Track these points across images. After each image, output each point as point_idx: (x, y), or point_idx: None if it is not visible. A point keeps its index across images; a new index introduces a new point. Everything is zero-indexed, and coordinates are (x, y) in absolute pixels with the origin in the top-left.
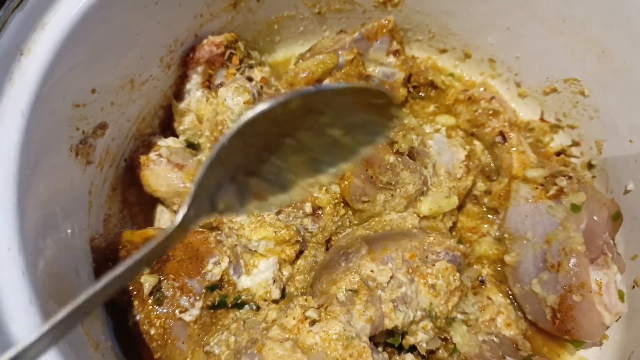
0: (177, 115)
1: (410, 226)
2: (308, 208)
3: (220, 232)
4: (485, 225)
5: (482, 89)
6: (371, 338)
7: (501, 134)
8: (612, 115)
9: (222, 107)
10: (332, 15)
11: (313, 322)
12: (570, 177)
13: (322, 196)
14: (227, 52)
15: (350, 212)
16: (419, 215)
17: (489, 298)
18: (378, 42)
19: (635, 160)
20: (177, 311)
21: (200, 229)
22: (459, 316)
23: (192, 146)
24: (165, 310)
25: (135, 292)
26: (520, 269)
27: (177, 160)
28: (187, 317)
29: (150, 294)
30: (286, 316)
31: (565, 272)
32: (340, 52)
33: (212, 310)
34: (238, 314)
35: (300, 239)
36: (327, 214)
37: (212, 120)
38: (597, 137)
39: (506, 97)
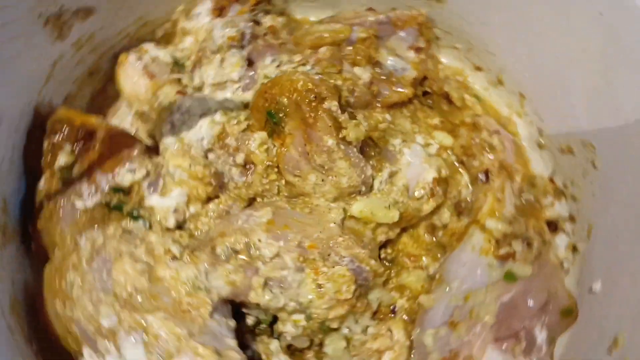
0: (179, 34)
1: (331, 218)
2: (239, 159)
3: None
4: (426, 259)
5: (492, 120)
6: (239, 304)
7: (486, 172)
8: (611, 195)
9: (208, 34)
10: None
11: (174, 258)
12: (530, 245)
13: (258, 153)
14: None
15: (283, 181)
16: (345, 213)
17: (389, 330)
18: (403, 33)
19: (617, 257)
20: (73, 195)
21: (131, 138)
22: (344, 330)
23: (177, 64)
24: (64, 190)
25: (49, 162)
26: (428, 314)
27: (153, 70)
28: (79, 204)
29: (60, 169)
30: (159, 243)
31: (459, 335)
32: (356, 28)
33: (107, 210)
34: (129, 224)
35: (215, 182)
36: (257, 172)
37: (198, 45)
38: (591, 220)
39: (525, 143)
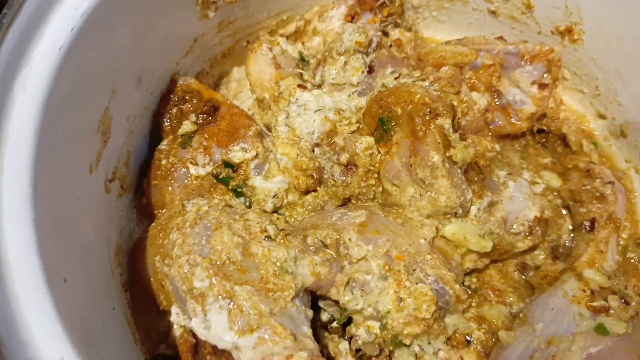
0: (309, 33)
1: (422, 234)
2: (343, 158)
3: (270, 132)
4: (511, 298)
5: (607, 170)
6: (318, 297)
7: (592, 221)
8: None
9: (338, 36)
10: (505, 21)
11: (268, 238)
12: (627, 304)
13: (363, 156)
14: (381, 1)
15: (380, 188)
16: (438, 232)
17: (461, 358)
18: (530, 66)
19: None
20: (190, 161)
21: (249, 119)
22: (415, 347)
23: (302, 60)
24: (182, 155)
25: (174, 126)
26: (505, 351)
27: (280, 61)
28: (192, 169)
29: (182, 135)
30: (257, 222)
31: None
32: (482, 53)
33: (215, 181)
34: (232, 199)
35: (317, 176)
36: (357, 174)
37: (325, 45)
38: None
39: (639, 201)
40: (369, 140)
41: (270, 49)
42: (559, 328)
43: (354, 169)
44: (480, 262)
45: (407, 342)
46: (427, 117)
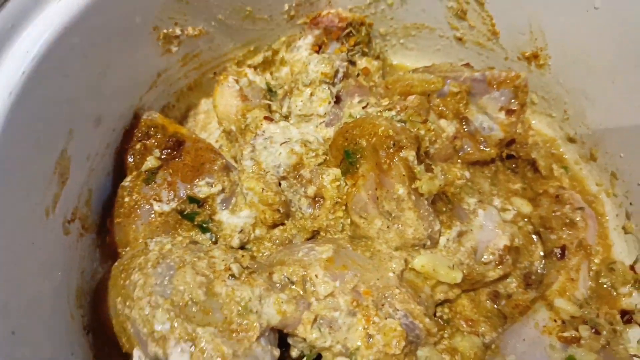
0: (277, 63)
1: (390, 267)
2: (310, 191)
3: (237, 164)
4: (484, 327)
5: (577, 195)
6: (285, 335)
7: (563, 248)
8: None
9: (304, 67)
10: (472, 47)
11: (232, 276)
12: (598, 333)
13: (330, 188)
14: (348, 30)
15: (348, 220)
16: (406, 264)
17: None
18: (497, 92)
19: None
20: (153, 198)
21: (215, 153)
22: None
23: (270, 90)
24: (145, 191)
25: (137, 163)
26: None
27: (247, 93)
28: (156, 206)
29: (146, 171)
30: (222, 260)
31: None
32: (449, 81)
33: (180, 217)
34: (197, 235)
35: (283, 210)
36: (325, 207)
37: (292, 76)
38: None
39: (611, 224)
40: (335, 172)
41: (237, 81)
42: None
43: (322, 202)
44: (452, 292)
45: None
46: (391, 150)
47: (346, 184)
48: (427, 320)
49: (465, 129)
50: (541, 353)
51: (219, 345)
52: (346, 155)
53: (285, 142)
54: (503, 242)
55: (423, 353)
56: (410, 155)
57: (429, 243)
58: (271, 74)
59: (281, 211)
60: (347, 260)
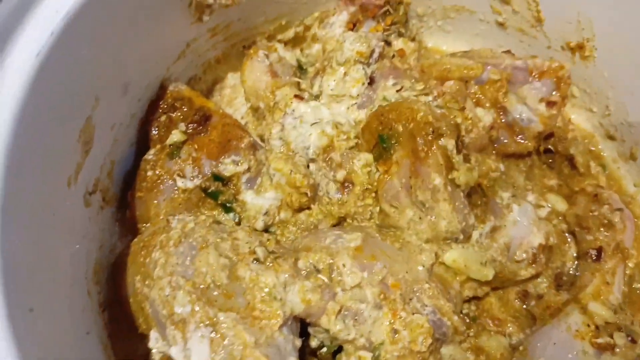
0: (309, 39)
1: (420, 260)
2: (340, 175)
3: (263, 143)
4: (511, 327)
5: (616, 195)
6: (306, 323)
7: (599, 250)
8: None
9: (338, 45)
10: (514, 33)
11: (256, 260)
12: (634, 342)
13: (360, 173)
14: (385, 8)
15: (377, 208)
16: (437, 258)
17: None
18: (539, 83)
19: None
20: (177, 174)
21: (242, 130)
22: None
23: (300, 68)
24: (169, 166)
25: (162, 136)
26: None
27: (277, 69)
28: (180, 182)
29: (171, 145)
30: (245, 242)
31: None
32: (489, 68)
33: (203, 195)
34: (220, 215)
35: (311, 193)
36: (354, 192)
37: (325, 54)
38: None
39: None
40: (367, 157)
41: (267, 56)
42: None
43: (351, 187)
44: (481, 290)
45: None
46: (429, 137)
47: (377, 170)
48: (455, 318)
49: (503, 120)
50: (572, 358)
51: (241, 332)
52: (380, 140)
53: (316, 122)
54: (538, 241)
55: (447, 351)
56: (450, 144)
57: (461, 237)
58: (301, 50)
59: (309, 195)
60: (376, 250)
